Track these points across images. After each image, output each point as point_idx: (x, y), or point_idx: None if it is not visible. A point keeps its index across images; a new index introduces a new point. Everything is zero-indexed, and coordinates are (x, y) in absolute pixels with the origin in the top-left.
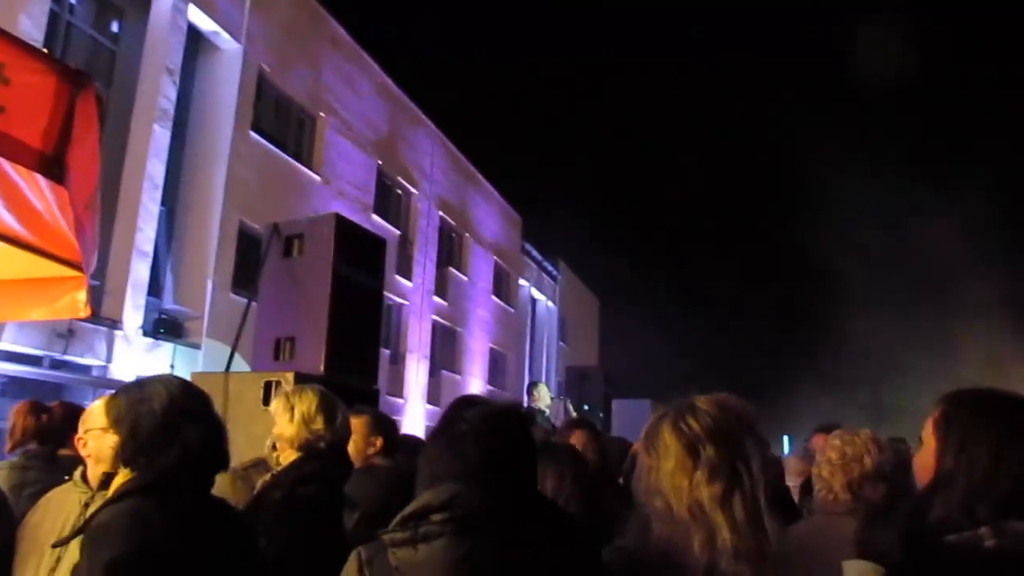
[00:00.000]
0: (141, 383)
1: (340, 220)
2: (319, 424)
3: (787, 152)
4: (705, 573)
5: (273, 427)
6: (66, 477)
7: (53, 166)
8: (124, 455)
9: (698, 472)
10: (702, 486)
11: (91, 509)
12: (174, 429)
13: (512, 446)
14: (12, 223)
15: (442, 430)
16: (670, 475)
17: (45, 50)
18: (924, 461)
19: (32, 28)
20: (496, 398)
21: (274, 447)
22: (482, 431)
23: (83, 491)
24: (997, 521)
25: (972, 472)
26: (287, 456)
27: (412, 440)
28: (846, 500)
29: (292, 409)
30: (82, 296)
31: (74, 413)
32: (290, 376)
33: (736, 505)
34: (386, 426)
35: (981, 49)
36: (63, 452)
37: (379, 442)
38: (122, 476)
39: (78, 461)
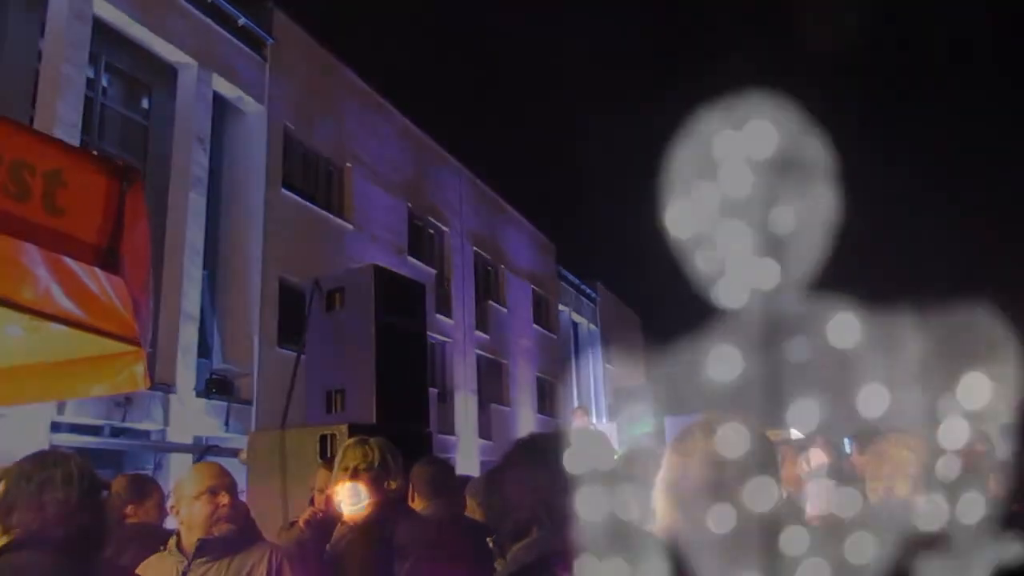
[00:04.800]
0: (41, 456)
1: (378, 270)
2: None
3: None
4: None
5: (363, 484)
6: (161, 547)
7: (109, 258)
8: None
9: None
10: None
11: None
12: (36, 495)
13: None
14: (70, 306)
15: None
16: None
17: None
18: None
19: (69, 112)
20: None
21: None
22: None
23: (178, 559)
24: None
25: None
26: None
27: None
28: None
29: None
30: (140, 369)
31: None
32: (344, 428)
33: None
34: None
35: None
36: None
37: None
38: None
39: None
